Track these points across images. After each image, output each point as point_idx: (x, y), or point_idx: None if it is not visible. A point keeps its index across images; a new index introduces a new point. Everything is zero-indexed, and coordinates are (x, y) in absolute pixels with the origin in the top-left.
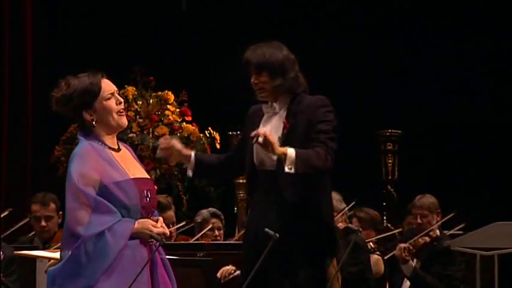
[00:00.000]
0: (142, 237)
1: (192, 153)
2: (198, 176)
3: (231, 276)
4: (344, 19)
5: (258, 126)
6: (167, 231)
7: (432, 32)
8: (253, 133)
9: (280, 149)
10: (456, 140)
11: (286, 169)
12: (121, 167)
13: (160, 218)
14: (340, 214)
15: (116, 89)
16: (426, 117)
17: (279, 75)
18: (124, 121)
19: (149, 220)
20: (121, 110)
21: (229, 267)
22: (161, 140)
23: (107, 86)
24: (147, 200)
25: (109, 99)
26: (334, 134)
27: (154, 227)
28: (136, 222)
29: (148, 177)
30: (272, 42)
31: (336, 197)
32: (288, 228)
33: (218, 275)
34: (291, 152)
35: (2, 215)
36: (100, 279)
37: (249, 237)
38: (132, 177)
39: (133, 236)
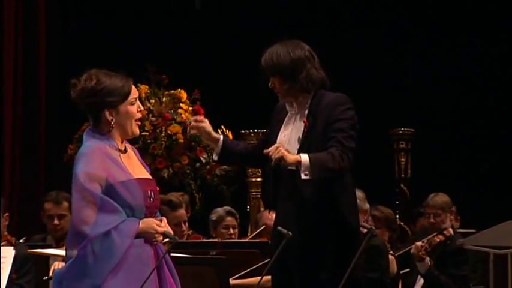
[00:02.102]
0: (147, 237)
1: (221, 137)
2: (223, 160)
3: None
4: (357, 18)
5: (282, 124)
6: (171, 231)
7: (446, 31)
8: (265, 151)
9: (293, 158)
10: (469, 138)
11: (303, 176)
12: (126, 168)
13: (164, 218)
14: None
15: (138, 96)
16: (439, 115)
17: (288, 78)
18: (138, 130)
19: (153, 219)
20: (139, 119)
21: None
22: (192, 119)
23: (134, 91)
24: (150, 200)
25: (133, 104)
26: (352, 132)
27: (159, 226)
28: (141, 222)
29: (151, 177)
30: (287, 42)
31: (359, 195)
32: (310, 227)
33: None
34: (304, 158)
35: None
36: (106, 279)
37: (276, 238)
38: (135, 177)
39: (138, 236)
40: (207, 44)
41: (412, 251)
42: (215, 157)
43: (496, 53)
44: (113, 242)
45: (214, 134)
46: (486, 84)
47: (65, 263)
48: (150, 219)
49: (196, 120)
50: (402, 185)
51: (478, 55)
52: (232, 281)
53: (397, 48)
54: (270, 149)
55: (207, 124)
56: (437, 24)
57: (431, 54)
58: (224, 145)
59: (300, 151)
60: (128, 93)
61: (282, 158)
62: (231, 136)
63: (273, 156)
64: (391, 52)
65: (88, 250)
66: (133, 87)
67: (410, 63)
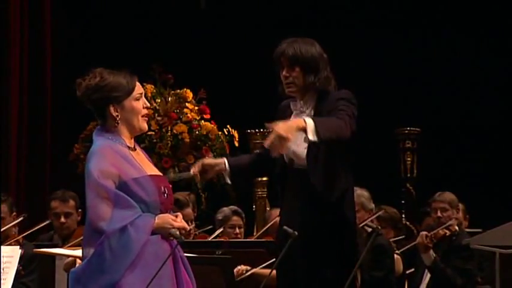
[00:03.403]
0: (163, 233)
1: (225, 160)
2: (236, 180)
3: (243, 276)
4: (362, 17)
5: None
6: (187, 226)
7: (452, 31)
8: (265, 144)
9: (297, 123)
10: (475, 138)
11: (310, 138)
12: (138, 164)
13: (180, 214)
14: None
15: (143, 92)
16: (445, 115)
17: (311, 72)
18: (145, 126)
19: (169, 215)
20: (146, 114)
21: (242, 267)
22: (193, 169)
23: (139, 87)
24: (164, 196)
25: (138, 100)
26: (353, 116)
27: (175, 221)
28: (156, 218)
29: (162, 174)
30: (306, 39)
31: (365, 195)
32: (314, 226)
33: None
34: (309, 121)
35: (18, 221)
36: (124, 275)
37: (281, 237)
38: (148, 173)
39: (154, 232)
40: (213, 44)
41: (417, 240)
42: (228, 181)
43: (503, 53)
44: (130, 237)
45: (215, 161)
46: (492, 84)
47: (82, 261)
48: (166, 214)
49: (195, 167)
50: (408, 185)
51: (485, 55)
52: (255, 270)
53: (403, 47)
54: (267, 141)
55: (204, 160)
56: (444, 23)
57: (437, 53)
58: (231, 166)
59: (308, 149)
60: (132, 89)
61: (286, 139)
62: (236, 135)
63: (275, 147)
64: (397, 51)
65: (105, 246)
66: (137, 83)
67: (416, 62)
